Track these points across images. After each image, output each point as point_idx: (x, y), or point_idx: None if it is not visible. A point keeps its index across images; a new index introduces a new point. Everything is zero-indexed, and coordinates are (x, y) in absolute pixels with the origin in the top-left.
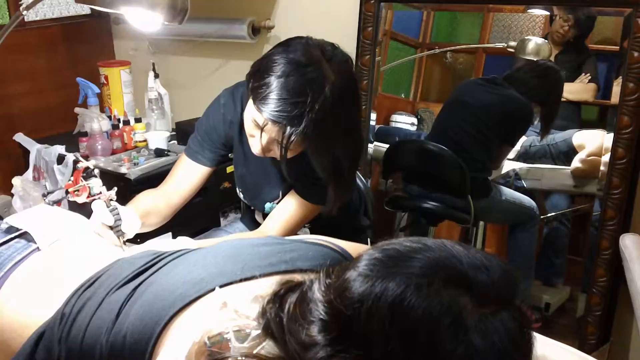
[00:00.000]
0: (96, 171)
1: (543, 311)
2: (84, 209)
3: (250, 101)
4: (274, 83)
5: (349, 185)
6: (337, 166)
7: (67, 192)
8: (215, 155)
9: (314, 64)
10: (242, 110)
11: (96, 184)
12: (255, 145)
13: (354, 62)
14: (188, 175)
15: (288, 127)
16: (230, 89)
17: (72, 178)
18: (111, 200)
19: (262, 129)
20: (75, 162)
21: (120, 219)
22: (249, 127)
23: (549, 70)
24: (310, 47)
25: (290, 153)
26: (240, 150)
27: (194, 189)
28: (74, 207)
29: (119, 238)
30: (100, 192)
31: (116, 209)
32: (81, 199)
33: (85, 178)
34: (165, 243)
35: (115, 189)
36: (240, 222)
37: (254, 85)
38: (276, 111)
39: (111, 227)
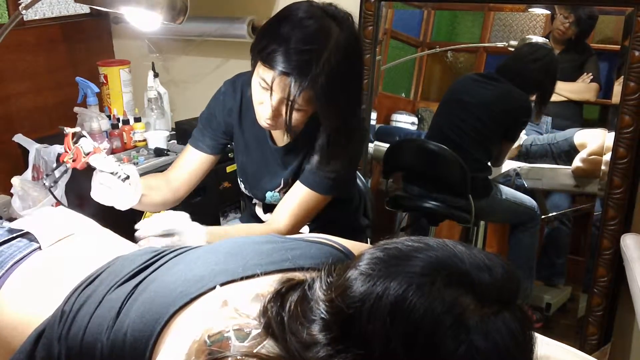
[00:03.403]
0: (84, 132)
1: (544, 311)
2: (85, 210)
3: (258, 67)
4: (280, 38)
5: (350, 168)
6: (345, 123)
7: (64, 165)
8: (216, 143)
9: (316, 18)
10: (243, 97)
11: (86, 143)
12: (265, 110)
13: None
14: (189, 163)
15: (296, 78)
16: (231, 79)
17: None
18: (104, 150)
19: (271, 88)
20: (62, 131)
21: (118, 164)
22: (258, 93)
23: (541, 51)
24: (312, 6)
25: (298, 115)
26: (240, 138)
27: (195, 177)
28: (74, 205)
29: (123, 182)
30: (93, 150)
31: (112, 157)
32: (79, 163)
33: (75, 142)
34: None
35: (106, 141)
36: (240, 221)
37: (260, 46)
38: (284, 62)
39: (114, 174)
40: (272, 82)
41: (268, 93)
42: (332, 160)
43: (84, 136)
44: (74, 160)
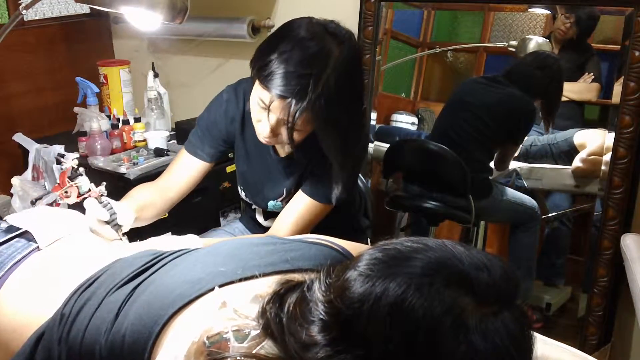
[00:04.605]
0: (81, 169)
1: (544, 311)
2: (83, 208)
3: (256, 84)
4: (279, 59)
5: (355, 169)
6: (345, 144)
7: (53, 195)
8: (215, 151)
9: (317, 38)
10: (245, 106)
11: (84, 182)
12: (263, 129)
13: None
14: (186, 170)
15: (294, 102)
16: (233, 85)
17: (58, 181)
18: (102, 195)
19: (268, 108)
20: (58, 162)
21: (114, 213)
22: (256, 112)
23: (548, 60)
24: (313, 24)
25: (297, 135)
26: (242, 147)
27: (192, 184)
28: (73, 206)
29: (117, 232)
30: (90, 190)
31: (109, 203)
32: (71, 199)
33: (72, 178)
34: (170, 240)
35: (104, 183)
36: (240, 222)
37: (259, 65)
38: (282, 86)
39: (107, 222)
40: (270, 104)
41: (266, 112)
42: (333, 171)
43: (80, 174)
44: (66, 195)
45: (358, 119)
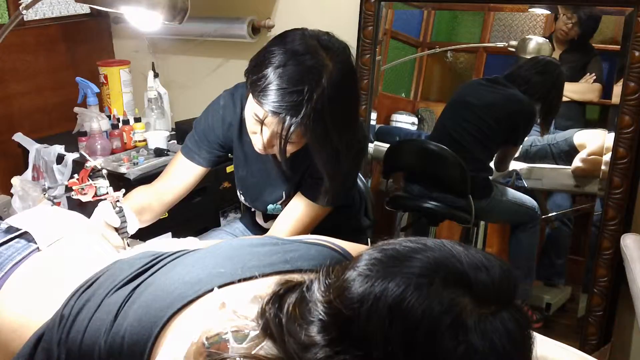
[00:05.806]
0: (104, 171)
1: (544, 311)
2: (85, 209)
3: (251, 97)
4: (272, 74)
5: (346, 183)
6: (336, 158)
7: (69, 190)
8: (212, 156)
9: (310, 53)
10: (242, 111)
11: (103, 184)
12: (258, 141)
13: (355, 62)
14: (183, 174)
15: (287, 118)
16: (230, 91)
17: (75, 176)
18: (117, 201)
19: (262, 123)
20: (83, 160)
21: (126, 221)
22: (251, 124)
23: (549, 66)
24: (307, 37)
25: (291, 147)
26: (240, 152)
27: (188, 188)
28: (74, 206)
29: (123, 239)
30: (107, 193)
31: (122, 210)
32: (86, 198)
33: (92, 178)
34: (170, 243)
35: (123, 190)
36: (240, 222)
37: (252, 79)
38: (275, 102)
39: (116, 229)
40: (264, 119)
41: (260, 125)
42: (331, 177)
43: (102, 176)
44: (83, 192)
45: (351, 133)
